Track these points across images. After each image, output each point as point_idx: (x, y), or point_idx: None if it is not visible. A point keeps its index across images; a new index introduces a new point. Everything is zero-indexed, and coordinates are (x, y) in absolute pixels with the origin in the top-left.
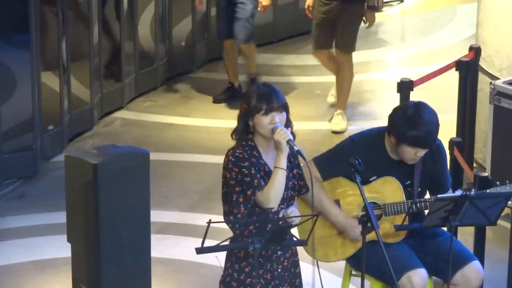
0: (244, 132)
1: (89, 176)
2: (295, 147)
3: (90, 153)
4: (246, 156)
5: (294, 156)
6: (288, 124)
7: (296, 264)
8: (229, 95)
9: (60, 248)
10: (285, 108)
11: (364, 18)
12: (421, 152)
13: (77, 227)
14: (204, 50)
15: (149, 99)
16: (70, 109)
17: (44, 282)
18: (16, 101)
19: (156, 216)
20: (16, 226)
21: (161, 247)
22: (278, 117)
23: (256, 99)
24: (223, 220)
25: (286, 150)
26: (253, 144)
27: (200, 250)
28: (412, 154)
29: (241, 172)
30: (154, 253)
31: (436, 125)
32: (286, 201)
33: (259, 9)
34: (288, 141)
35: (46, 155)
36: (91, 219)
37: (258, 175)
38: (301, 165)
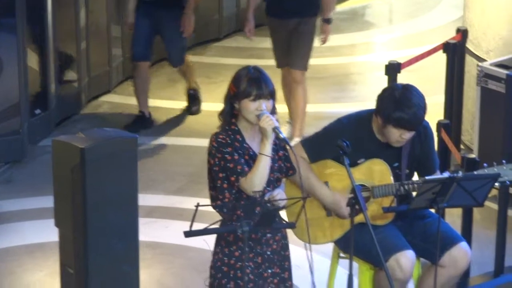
0: (229, 114)
1: (77, 160)
2: (280, 134)
3: (78, 137)
4: (229, 141)
5: (279, 139)
6: (273, 111)
7: (285, 247)
8: (140, 125)
9: (48, 233)
10: (272, 95)
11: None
12: (407, 135)
13: (64, 211)
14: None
15: None
16: (57, 93)
17: (33, 266)
18: (3, 86)
19: (144, 199)
20: (4, 211)
21: (149, 231)
22: (265, 104)
23: (246, 83)
24: (211, 204)
25: (271, 137)
26: (236, 128)
27: (188, 234)
28: (398, 135)
29: (224, 158)
30: (142, 237)
31: (423, 108)
32: (273, 183)
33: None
34: (274, 129)
35: (33, 139)
36: (79, 203)
37: (242, 160)
38: (291, 148)
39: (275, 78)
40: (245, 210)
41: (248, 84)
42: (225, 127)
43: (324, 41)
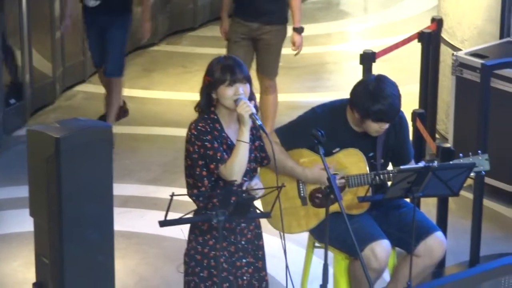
0: (207, 105)
1: (52, 150)
2: (257, 121)
3: (53, 127)
4: (209, 130)
5: (255, 128)
6: (251, 97)
7: (259, 237)
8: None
9: (23, 222)
10: (248, 79)
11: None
12: (386, 126)
13: (39, 201)
14: (166, 23)
15: None
16: (32, 83)
17: (8, 256)
18: None
19: (119, 189)
20: None
21: (124, 220)
22: (242, 88)
23: (220, 71)
24: (186, 193)
25: (249, 124)
26: (215, 117)
27: (163, 223)
28: (377, 127)
29: (204, 145)
30: (117, 226)
31: (398, 97)
32: (249, 173)
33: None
34: (251, 115)
35: (8, 129)
36: (54, 193)
37: (221, 148)
38: (267, 135)
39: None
40: (220, 200)
41: (222, 71)
42: (204, 115)
43: (297, 52)
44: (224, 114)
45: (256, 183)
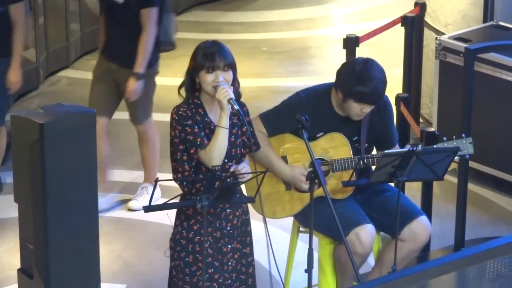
0: (191, 88)
1: (36, 135)
2: (235, 105)
3: (36, 113)
4: (190, 114)
5: (245, 114)
6: (233, 83)
7: (246, 223)
8: None
9: (7, 208)
10: (231, 67)
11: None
12: (367, 109)
13: (24, 187)
14: None
15: (95, 57)
16: None
17: None
18: None
19: None
20: None
21: (109, 206)
22: (223, 76)
23: (201, 56)
24: (170, 178)
25: (228, 109)
26: (199, 102)
27: (148, 208)
28: (358, 110)
29: (184, 130)
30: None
31: (384, 82)
32: (236, 158)
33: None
34: (229, 100)
35: None
36: (38, 179)
37: (202, 133)
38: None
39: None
40: (205, 185)
41: (203, 57)
42: (188, 100)
43: (128, 97)
44: (207, 99)
45: (244, 166)
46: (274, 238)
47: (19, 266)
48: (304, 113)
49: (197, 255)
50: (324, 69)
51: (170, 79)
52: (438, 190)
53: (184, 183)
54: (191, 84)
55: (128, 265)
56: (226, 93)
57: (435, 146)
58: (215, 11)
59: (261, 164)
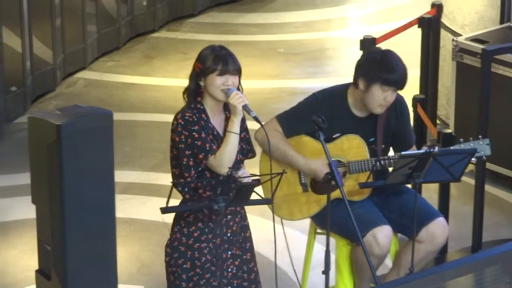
0: (194, 92)
1: (53, 137)
2: (251, 113)
3: (53, 114)
4: (196, 119)
5: (242, 120)
6: (238, 89)
7: (246, 228)
8: None
9: (25, 210)
10: (239, 72)
11: None
12: (390, 96)
13: (41, 188)
14: (166, 10)
15: (111, 59)
16: (33, 70)
17: (8, 244)
18: None
19: (120, 176)
20: None
21: (126, 207)
22: (231, 80)
23: (212, 60)
24: (188, 180)
25: (240, 115)
26: (202, 107)
27: (165, 210)
28: (381, 98)
29: (191, 135)
30: (118, 213)
31: (406, 68)
32: (236, 164)
33: None
34: (244, 106)
35: (9, 117)
36: (55, 180)
37: (208, 139)
38: (262, 126)
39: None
40: (212, 188)
41: (214, 60)
42: (191, 105)
43: None
44: (211, 104)
45: (244, 173)
46: (291, 240)
47: (36, 267)
48: (320, 114)
49: (195, 261)
50: (341, 70)
51: (186, 80)
52: (455, 192)
53: (186, 189)
54: (196, 89)
55: (145, 266)
56: (240, 98)
57: (452, 147)
58: (232, 12)
59: (277, 162)
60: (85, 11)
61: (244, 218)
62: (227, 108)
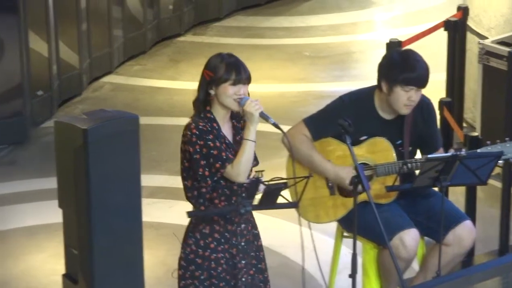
0: (204, 102)
1: (79, 141)
2: (269, 119)
3: (80, 118)
4: (210, 129)
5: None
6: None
7: (257, 237)
8: None
9: (51, 214)
10: (249, 80)
11: None
12: (414, 96)
13: (68, 192)
14: (192, 14)
15: (137, 63)
16: (59, 74)
17: (35, 248)
18: (5, 67)
19: (147, 180)
20: (7, 193)
21: (152, 211)
22: (244, 90)
23: (224, 68)
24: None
25: (257, 122)
26: (212, 116)
27: (191, 214)
28: (405, 98)
29: (207, 145)
30: (145, 217)
31: (426, 64)
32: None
33: None
34: (261, 113)
35: (36, 121)
36: (82, 184)
37: (223, 147)
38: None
39: (280, 54)
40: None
41: (226, 69)
42: (201, 115)
43: None
44: (220, 113)
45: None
46: (317, 243)
47: (63, 272)
48: (347, 117)
49: (211, 271)
50: (367, 73)
51: None
52: (481, 195)
53: (201, 200)
54: (205, 98)
55: (172, 270)
56: (257, 105)
57: (478, 150)
58: (257, 16)
59: (303, 167)
60: (111, 16)
61: (254, 226)
62: (233, 116)
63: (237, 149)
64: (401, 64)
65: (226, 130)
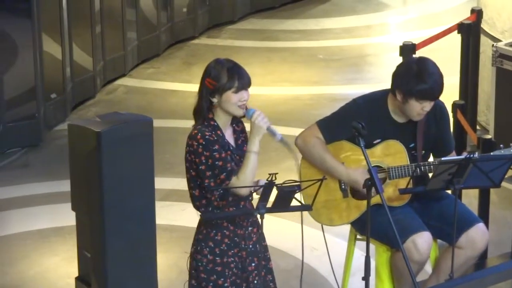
0: (207, 110)
1: (93, 144)
2: (277, 134)
3: (93, 121)
4: (215, 138)
5: (242, 132)
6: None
7: (263, 238)
8: None
9: (65, 217)
10: (250, 84)
11: None
12: (428, 106)
13: (81, 195)
14: (206, 16)
15: (151, 66)
16: (73, 77)
17: (49, 251)
18: (18, 70)
19: (160, 183)
20: (21, 195)
21: (166, 214)
22: (246, 95)
23: (227, 75)
24: (229, 186)
25: (262, 134)
26: (215, 123)
27: (206, 216)
28: (419, 108)
29: (212, 156)
30: (158, 220)
31: (441, 76)
32: None
33: None
34: (268, 128)
35: (49, 124)
36: (95, 187)
37: (228, 158)
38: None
39: (294, 57)
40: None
41: (229, 76)
42: (204, 123)
43: None
44: (222, 120)
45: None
46: (330, 246)
47: (76, 275)
48: (360, 119)
49: (222, 278)
50: (381, 76)
51: None
52: (495, 197)
53: (209, 209)
54: (208, 106)
55: (185, 273)
56: (265, 119)
57: (492, 153)
58: (271, 18)
59: (316, 170)
60: (125, 18)
61: (259, 226)
62: (233, 121)
63: (240, 153)
64: (416, 77)
65: (229, 135)
